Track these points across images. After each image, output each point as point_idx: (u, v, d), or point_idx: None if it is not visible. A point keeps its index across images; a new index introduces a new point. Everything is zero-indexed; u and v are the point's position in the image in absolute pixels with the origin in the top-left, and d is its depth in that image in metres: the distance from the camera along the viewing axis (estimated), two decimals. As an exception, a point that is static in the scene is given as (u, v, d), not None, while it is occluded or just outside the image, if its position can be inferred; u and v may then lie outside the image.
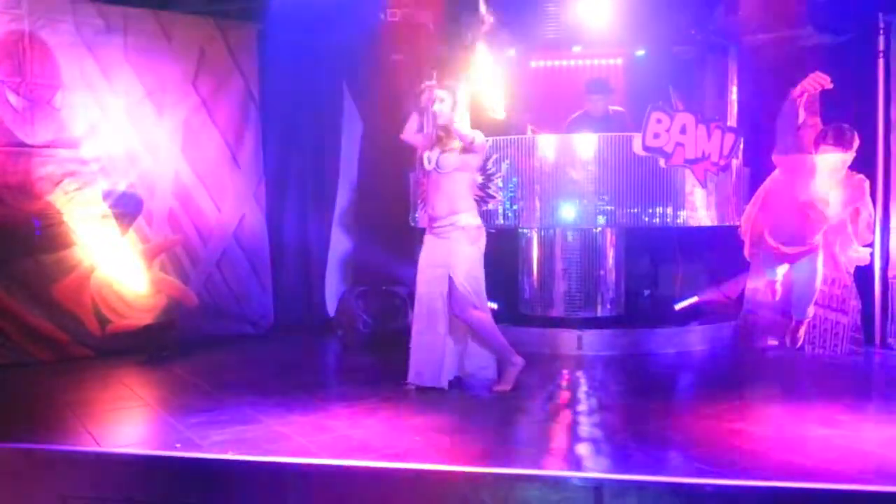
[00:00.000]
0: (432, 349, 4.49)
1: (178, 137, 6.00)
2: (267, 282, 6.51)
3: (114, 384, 4.80)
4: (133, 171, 5.78)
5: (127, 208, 5.74)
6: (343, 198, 6.85)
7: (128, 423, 4.12)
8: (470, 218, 4.47)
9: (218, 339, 6.01)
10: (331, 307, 6.55)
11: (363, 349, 5.76)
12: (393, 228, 6.65)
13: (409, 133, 4.67)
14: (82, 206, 5.53)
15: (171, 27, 5.93)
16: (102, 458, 3.26)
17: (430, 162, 4.51)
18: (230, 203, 6.30)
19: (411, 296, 5.96)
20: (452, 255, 4.43)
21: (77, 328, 5.52)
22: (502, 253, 5.45)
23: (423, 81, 4.53)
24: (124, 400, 4.46)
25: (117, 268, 5.68)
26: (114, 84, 5.68)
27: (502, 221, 5.69)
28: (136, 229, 5.80)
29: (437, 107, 4.49)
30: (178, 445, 3.50)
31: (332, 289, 6.68)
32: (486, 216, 5.49)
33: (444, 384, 4.48)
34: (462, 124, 4.44)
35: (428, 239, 4.57)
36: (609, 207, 5.50)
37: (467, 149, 4.44)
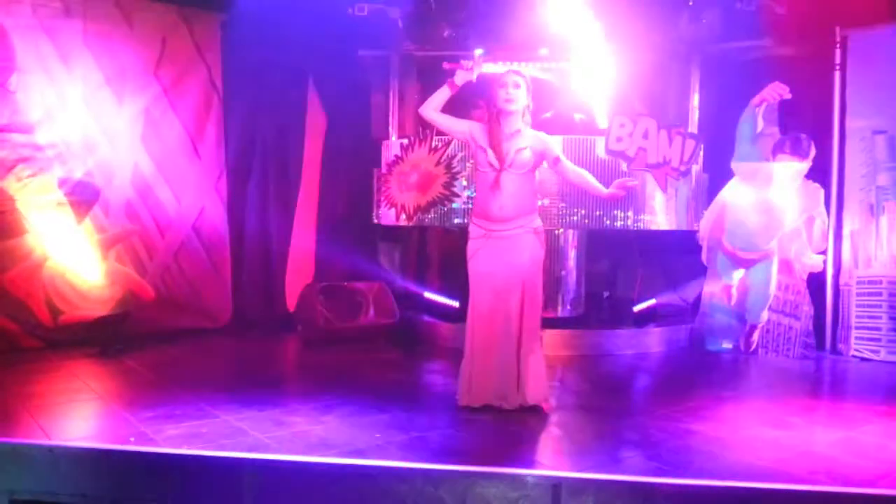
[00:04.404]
0: (508, 366, 3.98)
1: (137, 126, 5.89)
2: (226, 275, 6.41)
3: (66, 376, 4.69)
4: (90, 158, 5.65)
5: (83, 196, 5.61)
6: (306, 192, 6.77)
7: (80, 416, 4.02)
8: (539, 220, 4.10)
9: (174, 332, 5.89)
10: (291, 302, 6.49)
11: (323, 345, 5.72)
12: (356, 225, 6.61)
13: (430, 108, 4.05)
14: (36, 193, 5.38)
15: (133, 14, 5.80)
16: (53, 452, 3.19)
17: (497, 162, 3.93)
18: (190, 194, 6.20)
19: (373, 292, 5.98)
20: (529, 260, 3.99)
21: (28, 318, 5.37)
22: (463, 251, 5.45)
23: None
24: (76, 393, 4.36)
25: (71, 257, 5.55)
26: (72, 69, 5.54)
27: (464, 220, 5.70)
28: (93, 218, 5.67)
29: (511, 92, 3.91)
30: (132, 440, 3.44)
31: (293, 284, 6.61)
32: (448, 215, 5.51)
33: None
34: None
35: (485, 243, 4.01)
36: (571, 210, 5.55)
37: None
